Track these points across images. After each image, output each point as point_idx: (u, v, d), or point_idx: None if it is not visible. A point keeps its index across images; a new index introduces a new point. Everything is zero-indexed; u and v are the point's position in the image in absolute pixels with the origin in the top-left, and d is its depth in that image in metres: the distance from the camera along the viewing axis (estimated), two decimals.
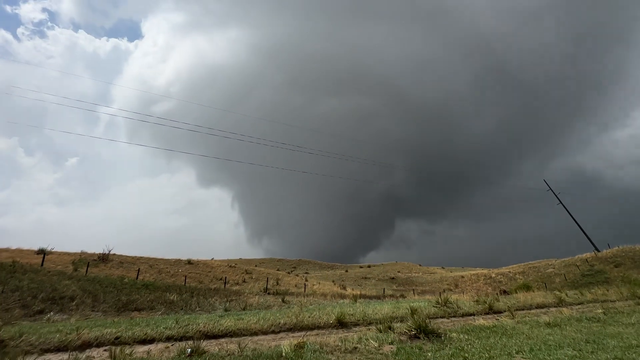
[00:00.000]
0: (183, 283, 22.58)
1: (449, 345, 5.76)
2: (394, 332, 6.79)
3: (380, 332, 7.01)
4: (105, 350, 5.84)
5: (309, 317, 9.09)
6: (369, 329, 7.78)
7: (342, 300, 19.70)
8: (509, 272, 47.41)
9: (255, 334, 7.64)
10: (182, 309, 14.79)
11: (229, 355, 5.30)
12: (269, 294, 23.07)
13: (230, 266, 35.51)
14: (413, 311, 9.51)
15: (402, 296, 30.94)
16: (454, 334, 6.61)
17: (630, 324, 7.86)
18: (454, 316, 10.25)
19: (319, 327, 8.36)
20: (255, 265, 53.15)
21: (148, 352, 5.78)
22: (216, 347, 5.98)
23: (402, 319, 8.89)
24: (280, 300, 18.88)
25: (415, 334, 6.41)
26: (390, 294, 34.37)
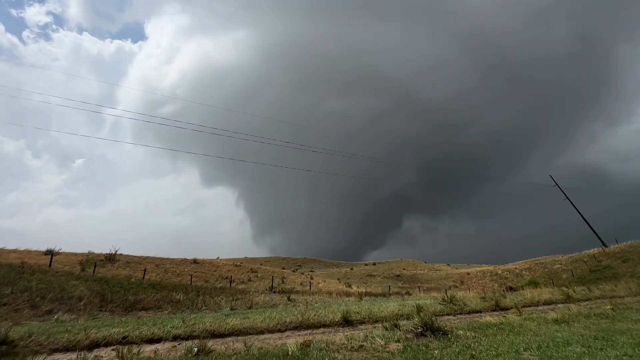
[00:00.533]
0: (189, 282, 22.72)
1: (455, 343, 5.73)
2: (400, 330, 6.77)
3: (387, 330, 7.00)
4: (113, 349, 5.88)
5: (315, 315, 9.10)
6: (375, 327, 7.77)
7: (347, 298, 19.70)
8: (515, 268, 47.10)
9: (262, 332, 7.67)
10: (188, 308, 14.91)
11: (235, 354, 5.32)
12: (274, 292, 23.15)
13: (235, 265, 35.67)
14: (419, 309, 9.47)
15: (408, 293, 30.89)
16: (461, 332, 6.57)
17: None
18: (460, 313, 10.20)
19: (324, 326, 8.37)
20: (261, 264, 53.32)
21: (155, 352, 5.82)
22: (222, 346, 6.01)
23: (408, 317, 8.87)
24: (286, 298, 18.93)
25: (421, 331, 6.39)
26: (396, 291, 34.35)
